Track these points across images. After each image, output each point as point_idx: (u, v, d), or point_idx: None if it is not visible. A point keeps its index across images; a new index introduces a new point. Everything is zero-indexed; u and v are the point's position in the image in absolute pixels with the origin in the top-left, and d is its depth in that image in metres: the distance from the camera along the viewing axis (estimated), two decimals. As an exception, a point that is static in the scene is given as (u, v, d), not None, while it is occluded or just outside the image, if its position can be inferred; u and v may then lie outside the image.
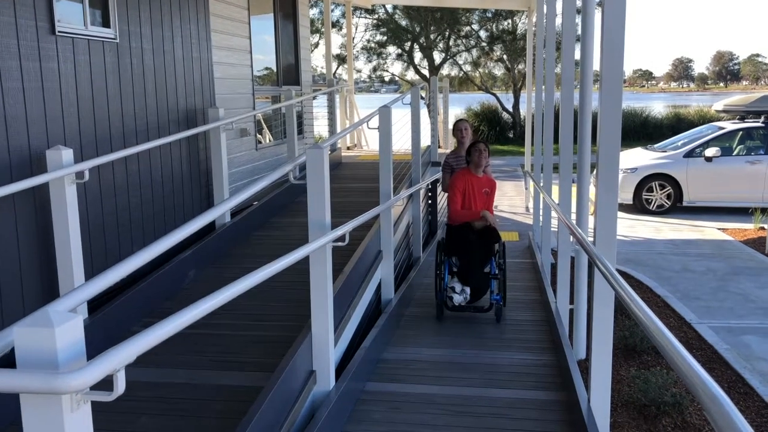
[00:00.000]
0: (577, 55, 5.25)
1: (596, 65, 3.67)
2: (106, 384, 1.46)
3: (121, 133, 4.90)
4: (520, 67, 24.71)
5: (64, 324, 1.42)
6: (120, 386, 1.47)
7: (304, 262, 3.33)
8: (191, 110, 6.00)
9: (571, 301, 5.37)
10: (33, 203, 3.95)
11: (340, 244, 3.61)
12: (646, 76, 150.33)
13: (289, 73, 9.35)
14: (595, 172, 3.37)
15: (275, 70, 8.97)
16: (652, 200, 11.66)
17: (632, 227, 10.50)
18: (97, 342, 3.72)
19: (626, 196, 11.62)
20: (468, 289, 5.40)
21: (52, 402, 1.41)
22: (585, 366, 4.44)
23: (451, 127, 11.02)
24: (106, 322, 4.01)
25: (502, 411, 3.70)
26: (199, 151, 6.16)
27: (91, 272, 4.11)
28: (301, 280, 3.85)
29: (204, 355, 3.94)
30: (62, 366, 1.40)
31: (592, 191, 5.68)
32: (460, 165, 6.08)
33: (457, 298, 5.34)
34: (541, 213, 7.65)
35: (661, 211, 11.59)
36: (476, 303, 5.45)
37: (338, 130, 11.77)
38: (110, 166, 4.69)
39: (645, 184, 11.65)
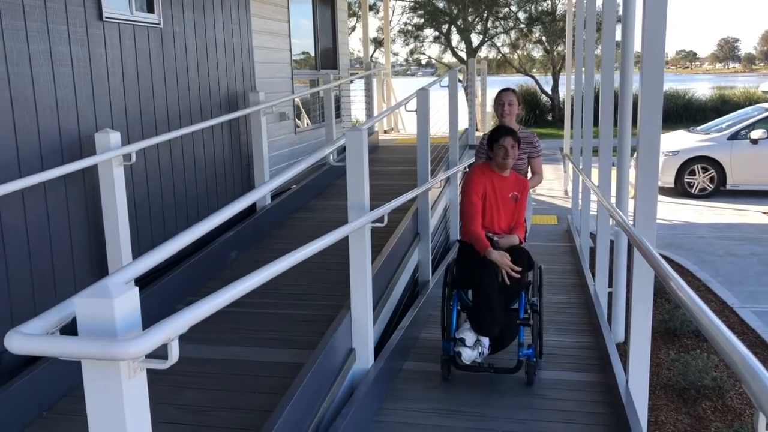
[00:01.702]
0: (618, 37, 5.18)
1: (637, 46, 3.63)
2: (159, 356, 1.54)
3: (165, 116, 5.01)
4: (560, 49, 24.33)
5: (121, 295, 1.49)
6: (174, 354, 1.54)
7: (343, 243, 3.39)
8: (232, 94, 6.10)
9: (610, 285, 5.34)
10: (83, 184, 4.08)
11: (378, 225, 3.66)
12: (690, 56, 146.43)
13: (326, 56, 9.39)
14: (635, 155, 3.35)
15: (313, 54, 9.03)
16: (694, 183, 11.45)
17: (673, 211, 10.34)
18: (144, 319, 3.84)
19: (667, 179, 11.43)
20: (485, 341, 3.80)
21: (111, 368, 1.49)
22: (623, 349, 4.43)
23: (490, 108, 10.97)
24: (152, 301, 4.13)
25: (540, 391, 3.72)
26: (240, 135, 6.26)
27: (137, 251, 4.24)
28: (339, 261, 3.91)
29: (246, 333, 4.05)
30: (120, 334, 1.48)
31: (632, 174, 5.63)
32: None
33: (468, 354, 3.73)
34: (580, 196, 7.60)
35: (703, 195, 11.38)
36: (497, 361, 3.91)
37: (375, 113, 11.80)
38: (155, 148, 4.81)
39: (687, 167, 11.44)
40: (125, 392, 1.51)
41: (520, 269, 3.80)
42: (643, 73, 3.13)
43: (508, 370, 3.77)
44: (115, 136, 3.99)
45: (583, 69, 7.97)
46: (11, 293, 3.54)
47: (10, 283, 3.54)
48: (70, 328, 1.57)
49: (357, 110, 11.72)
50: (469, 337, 3.76)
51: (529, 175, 4.73)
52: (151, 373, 1.58)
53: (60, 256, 3.90)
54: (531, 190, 4.59)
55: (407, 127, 13.76)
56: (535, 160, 4.67)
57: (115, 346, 1.43)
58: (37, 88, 3.74)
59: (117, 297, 1.48)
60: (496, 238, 3.96)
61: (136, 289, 1.55)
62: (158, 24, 4.91)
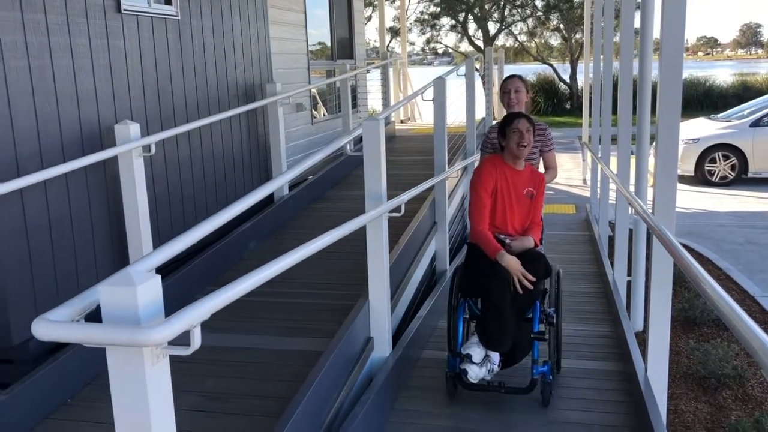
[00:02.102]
0: (637, 23, 5.13)
1: (657, 33, 3.60)
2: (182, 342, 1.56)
3: (184, 108, 5.05)
4: (578, 36, 24.12)
5: (144, 283, 1.52)
6: (196, 341, 1.57)
7: (361, 233, 3.41)
8: (249, 85, 6.12)
9: (629, 273, 5.32)
10: (103, 175, 4.13)
11: (395, 214, 3.67)
12: (711, 43, 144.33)
13: (343, 46, 9.39)
14: (654, 143, 3.33)
15: (329, 44, 9.03)
16: (714, 171, 11.33)
17: (693, 199, 10.24)
18: (164, 308, 3.89)
19: (688, 167, 11.32)
20: (495, 357, 3.43)
21: (135, 355, 1.52)
22: (642, 338, 4.41)
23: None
24: (172, 291, 4.18)
25: (559, 379, 3.72)
26: (258, 126, 6.29)
27: (157, 241, 4.28)
28: (357, 251, 3.93)
29: (265, 321, 4.08)
30: (143, 322, 1.51)
31: (651, 163, 5.58)
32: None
33: (475, 372, 3.35)
34: (598, 185, 7.55)
35: (724, 183, 11.26)
36: (508, 378, 3.54)
37: (392, 103, 11.78)
38: (174, 140, 4.85)
39: (708, 154, 11.31)
40: (149, 378, 1.54)
41: (534, 279, 3.34)
42: (662, 60, 3.10)
43: (520, 390, 3.40)
44: (134, 128, 4.03)
45: (602, 56, 7.90)
46: (35, 282, 3.60)
47: (34, 272, 3.60)
48: (93, 316, 1.60)
49: (373, 100, 11.72)
50: (477, 352, 3.35)
51: (542, 170, 4.19)
52: (172, 361, 1.61)
53: (82, 246, 3.96)
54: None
55: (424, 116, 13.73)
56: (548, 154, 4.16)
57: (139, 333, 1.45)
58: (58, 80, 3.78)
59: (140, 285, 1.51)
60: (508, 241, 3.53)
61: (159, 277, 1.58)
62: (176, 16, 4.94)
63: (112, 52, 4.23)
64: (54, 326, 1.50)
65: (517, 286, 3.34)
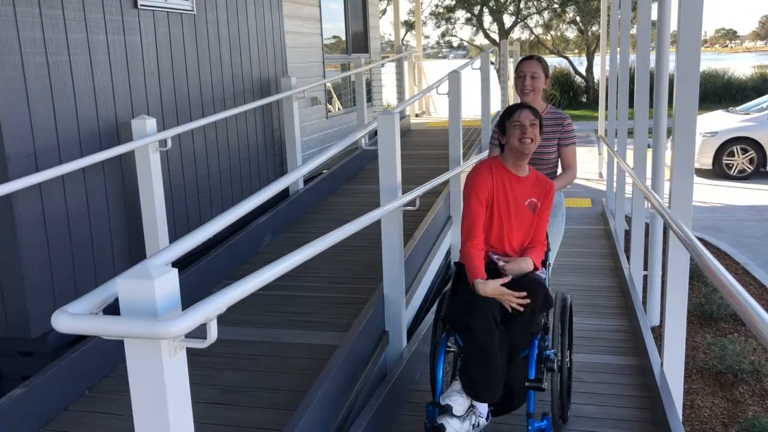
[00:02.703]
0: (654, 16, 5.08)
1: (674, 25, 3.56)
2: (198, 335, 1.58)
3: (200, 102, 5.08)
4: (594, 29, 23.91)
5: (162, 276, 1.53)
6: (213, 334, 1.58)
7: (375, 227, 3.42)
8: (264, 79, 6.14)
9: (645, 268, 5.29)
10: (120, 170, 4.17)
11: (410, 208, 3.68)
12: (730, 35, 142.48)
13: (358, 40, 9.38)
14: (671, 136, 3.30)
15: (344, 38, 9.03)
16: (733, 165, 11.21)
17: (711, 193, 10.14)
18: (181, 301, 3.93)
19: (705, 160, 11.21)
20: (483, 408, 2.76)
21: (152, 347, 1.53)
22: (659, 333, 4.39)
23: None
24: (188, 284, 4.22)
25: (575, 374, 3.71)
26: (273, 120, 6.31)
27: (174, 235, 4.32)
28: (372, 245, 3.95)
29: (281, 315, 4.11)
30: (161, 314, 1.52)
31: (667, 157, 5.53)
32: None
33: (455, 428, 2.66)
34: (614, 179, 7.51)
35: (742, 177, 11.14)
36: (501, 428, 3.06)
37: (407, 97, 11.76)
38: (190, 134, 4.87)
39: (726, 148, 11.20)
40: (166, 370, 1.56)
41: (525, 299, 2.74)
42: (679, 53, 3.08)
43: None
44: (151, 123, 4.05)
45: (618, 49, 7.83)
46: (53, 275, 3.65)
47: (52, 265, 3.64)
48: (112, 309, 1.62)
49: (388, 94, 11.71)
50: (459, 402, 2.68)
51: (559, 170, 3.64)
52: (188, 354, 1.63)
53: (99, 240, 4.00)
54: (561, 190, 3.55)
55: (439, 110, 13.70)
56: (566, 148, 3.54)
57: (157, 326, 1.47)
58: (75, 75, 3.81)
59: (158, 278, 1.52)
60: (501, 263, 2.91)
61: (176, 270, 1.59)
62: (192, 11, 4.96)
63: (129, 48, 4.26)
64: (74, 319, 1.52)
65: (510, 306, 2.74)
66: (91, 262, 3.93)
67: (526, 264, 2.91)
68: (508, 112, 2.97)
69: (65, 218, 3.73)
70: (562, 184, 3.52)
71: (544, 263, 3.09)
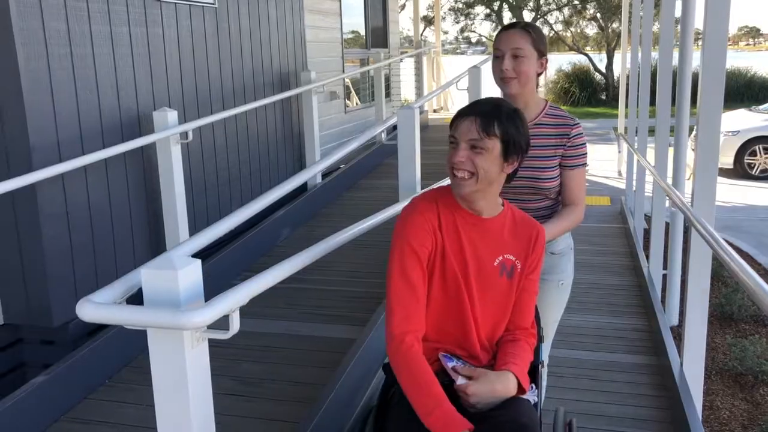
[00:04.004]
0: (678, 13, 5.02)
1: (697, 23, 3.52)
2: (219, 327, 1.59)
3: (220, 95, 5.10)
4: (614, 25, 23.70)
5: (185, 267, 1.55)
6: (235, 326, 1.59)
7: (393, 221, 3.41)
8: (284, 73, 6.15)
9: (664, 267, 5.24)
10: (141, 161, 4.20)
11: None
12: (753, 33, 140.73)
13: (377, 35, 9.37)
14: (692, 134, 3.27)
15: (363, 32, 9.02)
16: (755, 164, 11.07)
17: (732, 192, 10.03)
18: (200, 293, 3.97)
19: (727, 160, 11.07)
20: None
21: (175, 337, 1.54)
22: (678, 332, 4.35)
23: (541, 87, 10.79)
24: (208, 276, 4.25)
25: (591, 372, 3.69)
26: (292, 114, 6.32)
27: (193, 226, 4.35)
28: (390, 240, 3.94)
29: (299, 308, 4.12)
30: (184, 305, 1.53)
31: (689, 155, 5.48)
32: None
33: None
34: (634, 177, 7.44)
35: (764, 176, 11.00)
36: None
37: (425, 92, 11.73)
38: (210, 127, 4.90)
39: (748, 147, 11.05)
40: (188, 361, 1.57)
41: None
42: (704, 51, 3.04)
43: None
44: (172, 115, 4.08)
45: (640, 46, 7.76)
46: (75, 265, 3.68)
47: (74, 255, 3.68)
48: (134, 300, 1.64)
49: (407, 89, 11.69)
50: None
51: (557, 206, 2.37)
52: (208, 344, 1.63)
53: (120, 231, 4.03)
54: (561, 237, 2.31)
55: (457, 106, 13.66)
56: (573, 172, 2.28)
57: (180, 316, 1.48)
58: (98, 67, 3.84)
59: (181, 269, 1.53)
60: (460, 380, 1.72)
61: (199, 261, 1.60)
62: (213, 4, 4.97)
63: (151, 40, 4.29)
64: (98, 308, 1.54)
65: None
66: (111, 252, 3.96)
67: (504, 384, 1.71)
68: (456, 115, 1.81)
69: (87, 209, 3.76)
70: (561, 229, 2.23)
71: (534, 373, 1.92)
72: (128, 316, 1.52)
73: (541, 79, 2.44)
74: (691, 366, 3.23)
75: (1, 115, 3.34)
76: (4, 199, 3.27)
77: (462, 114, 1.78)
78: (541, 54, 2.24)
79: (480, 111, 1.76)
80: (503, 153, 1.76)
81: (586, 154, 2.31)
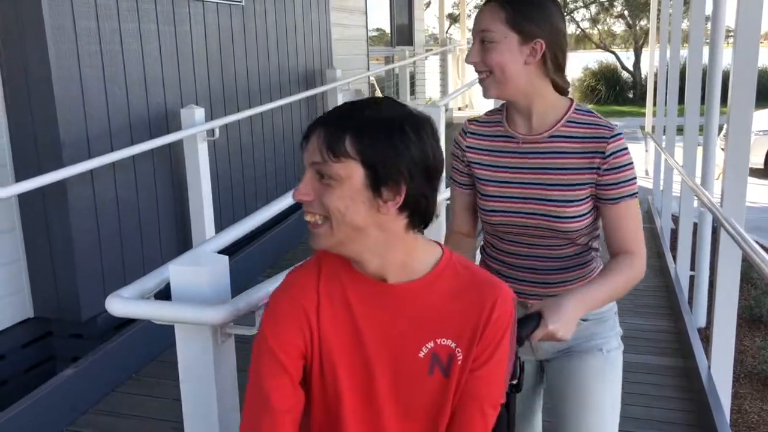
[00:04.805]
0: (708, 10, 4.95)
1: (728, 20, 3.47)
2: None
3: (246, 93, 5.13)
4: (642, 23, 23.42)
5: (212, 264, 1.56)
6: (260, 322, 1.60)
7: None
8: (310, 71, 6.17)
9: (692, 268, 5.17)
10: (169, 158, 4.24)
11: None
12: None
13: (402, 33, 9.37)
14: (721, 133, 3.22)
15: (389, 30, 9.02)
16: (786, 165, 10.88)
17: (762, 193, 9.86)
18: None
19: (757, 159, 10.88)
20: None
21: (202, 332, 1.56)
22: (705, 334, 4.29)
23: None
24: (233, 272, 4.29)
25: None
26: (318, 111, 6.34)
27: (219, 223, 4.38)
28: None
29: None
30: (211, 301, 1.55)
31: (718, 155, 5.39)
32: (490, 153, 1.64)
33: None
34: (661, 176, 7.35)
35: (796, 177, 10.80)
36: None
37: (450, 90, 11.70)
38: (236, 124, 4.93)
39: (779, 147, 10.87)
40: (214, 356, 1.58)
41: None
42: (736, 49, 2.99)
43: None
44: (199, 112, 4.12)
45: (668, 44, 7.66)
46: (103, 260, 3.73)
47: (102, 250, 3.73)
48: (161, 295, 1.66)
49: (431, 87, 11.66)
50: None
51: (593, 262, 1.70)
52: (234, 341, 1.65)
53: (147, 226, 4.08)
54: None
55: (482, 104, 13.59)
56: (617, 206, 1.55)
57: (206, 312, 1.49)
58: (127, 65, 3.89)
59: (208, 265, 1.55)
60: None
61: (226, 258, 1.62)
62: (240, 2, 5.01)
63: (179, 38, 4.33)
64: (126, 303, 1.56)
65: None
66: (139, 247, 4.01)
67: None
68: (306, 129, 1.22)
69: (115, 204, 3.82)
70: (604, 294, 1.52)
71: None
72: (156, 312, 1.54)
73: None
74: (719, 368, 3.18)
75: (33, 112, 3.40)
76: (34, 194, 3.32)
77: (310, 127, 1.15)
78: (528, 36, 1.47)
79: (326, 120, 1.14)
80: (370, 183, 1.10)
81: (633, 179, 1.57)
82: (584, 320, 1.64)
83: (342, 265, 1.20)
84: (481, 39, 1.51)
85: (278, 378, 1.17)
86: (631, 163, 1.58)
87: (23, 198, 3.45)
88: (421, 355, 1.18)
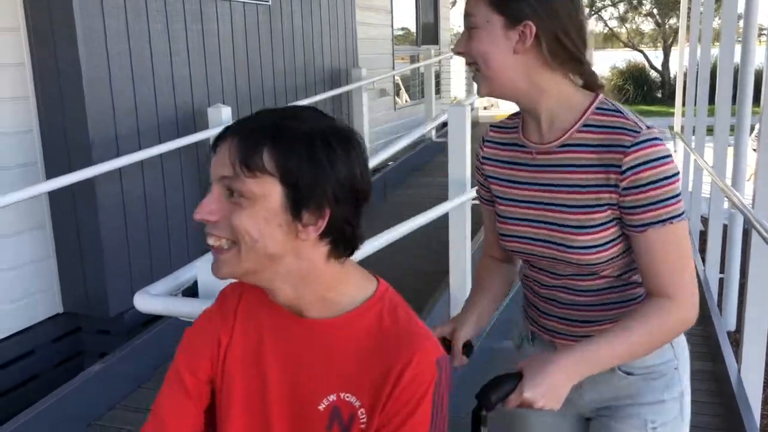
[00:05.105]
0: (740, 8, 4.87)
1: (761, 18, 3.40)
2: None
3: (272, 92, 5.16)
4: (672, 21, 23.11)
5: (239, 261, 1.56)
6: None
7: (442, 220, 3.40)
8: (335, 70, 6.19)
9: (721, 270, 5.09)
10: (196, 156, 4.28)
11: (478, 202, 3.64)
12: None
13: (427, 32, 9.35)
14: (753, 134, 3.16)
15: (414, 29, 9.01)
16: (819, 166, 10.65)
17: (794, 195, 9.66)
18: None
19: (789, 161, 10.67)
20: None
21: (228, 330, 1.57)
22: (735, 338, 4.22)
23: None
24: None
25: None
26: (342, 110, 6.36)
27: (245, 223, 4.41)
28: (439, 238, 3.92)
29: (346, 304, 4.13)
30: (237, 299, 1.55)
31: (749, 155, 5.30)
32: (504, 165, 1.34)
33: None
34: (690, 177, 7.24)
35: (829, 178, 10.56)
36: None
37: (475, 89, 11.66)
38: (262, 123, 4.96)
39: (812, 148, 10.64)
40: (241, 353, 1.59)
41: None
42: (769, 46, 2.93)
43: None
44: (226, 111, 4.15)
45: (699, 43, 7.54)
46: (131, 257, 3.78)
47: (130, 248, 3.77)
48: (188, 292, 1.67)
49: (457, 86, 11.62)
50: None
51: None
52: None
53: (174, 224, 4.12)
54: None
55: (507, 103, 13.52)
56: (647, 234, 1.17)
57: (233, 310, 1.50)
58: (155, 64, 3.93)
59: (235, 263, 1.55)
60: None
61: (252, 256, 1.62)
62: (267, 2, 5.03)
63: (206, 37, 4.36)
64: (154, 300, 1.57)
65: None
66: (166, 245, 4.05)
67: None
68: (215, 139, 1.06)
69: (143, 202, 3.86)
70: (635, 344, 1.20)
71: None
72: (183, 308, 1.55)
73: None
74: (750, 373, 3.13)
75: (64, 111, 3.45)
76: (64, 192, 3.37)
77: (220, 136, 1.00)
78: (514, 18, 1.17)
79: (241, 129, 0.97)
80: (289, 204, 0.95)
81: (668, 199, 1.16)
82: (628, 373, 1.31)
83: (260, 302, 1.07)
84: (467, 26, 1.23)
85: (174, 399, 1.08)
86: (668, 178, 1.16)
87: (53, 196, 3.50)
88: (321, 407, 1.01)
